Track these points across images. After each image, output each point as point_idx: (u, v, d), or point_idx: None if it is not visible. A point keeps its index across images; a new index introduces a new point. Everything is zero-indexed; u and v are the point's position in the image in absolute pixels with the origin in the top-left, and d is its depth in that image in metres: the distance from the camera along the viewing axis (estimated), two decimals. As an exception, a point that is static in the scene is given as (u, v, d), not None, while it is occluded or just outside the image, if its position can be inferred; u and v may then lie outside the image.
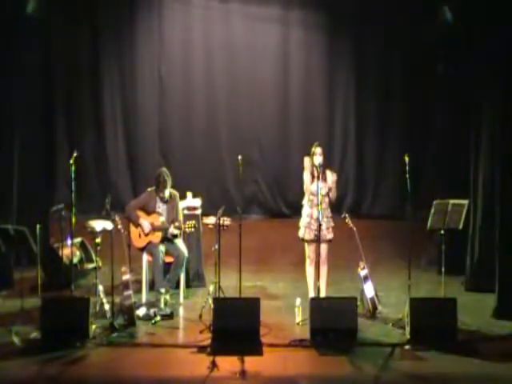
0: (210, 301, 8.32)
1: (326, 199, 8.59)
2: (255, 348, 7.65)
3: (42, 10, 10.53)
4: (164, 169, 9.10)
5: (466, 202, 8.50)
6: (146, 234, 8.88)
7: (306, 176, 8.60)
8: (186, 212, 9.51)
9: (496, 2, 8.98)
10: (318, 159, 8.52)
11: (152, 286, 8.94)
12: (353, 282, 9.23)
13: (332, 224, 8.65)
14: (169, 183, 8.95)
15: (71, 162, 8.59)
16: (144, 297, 8.91)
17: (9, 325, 8.06)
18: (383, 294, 8.91)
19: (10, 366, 7.29)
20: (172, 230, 8.87)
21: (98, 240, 8.55)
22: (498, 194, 8.83)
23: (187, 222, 8.90)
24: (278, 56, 13.25)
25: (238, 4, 13.05)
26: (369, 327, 8.22)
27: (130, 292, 8.21)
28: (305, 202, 8.68)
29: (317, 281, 8.42)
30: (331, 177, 8.61)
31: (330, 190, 8.56)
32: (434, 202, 8.38)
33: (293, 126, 13.39)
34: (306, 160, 8.62)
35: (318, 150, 8.55)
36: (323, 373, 7.28)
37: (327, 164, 8.74)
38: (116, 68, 13.20)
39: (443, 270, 8.45)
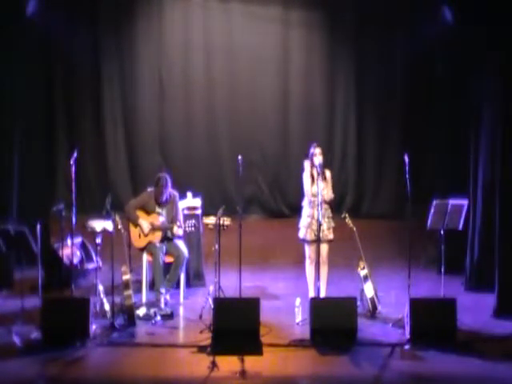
0: (210, 301, 8.33)
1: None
2: (255, 348, 7.66)
3: (42, 10, 10.53)
4: (164, 174, 9.04)
5: (465, 202, 8.51)
6: (146, 235, 8.88)
7: (306, 179, 8.60)
8: (186, 212, 9.51)
9: (496, 2, 8.98)
10: (319, 159, 8.54)
11: (152, 286, 8.95)
12: (353, 282, 9.23)
13: (333, 224, 8.68)
14: (168, 186, 8.92)
15: (71, 162, 8.60)
16: (144, 297, 8.92)
17: (9, 325, 8.07)
18: (383, 294, 8.92)
19: (10, 366, 7.30)
20: (177, 230, 8.86)
21: (99, 240, 8.56)
22: (497, 194, 8.83)
23: (187, 222, 8.90)
24: (278, 56, 13.21)
25: (238, 4, 13.02)
26: (368, 327, 8.22)
27: (130, 292, 8.21)
28: (305, 203, 8.68)
29: (317, 281, 8.43)
30: (329, 174, 8.67)
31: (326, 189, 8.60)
32: (434, 202, 8.38)
33: (293, 126, 13.36)
34: (306, 164, 8.63)
35: (317, 151, 8.58)
36: (323, 373, 7.29)
37: (326, 164, 8.77)
38: (116, 68, 13.17)
39: (443, 269, 8.46)
